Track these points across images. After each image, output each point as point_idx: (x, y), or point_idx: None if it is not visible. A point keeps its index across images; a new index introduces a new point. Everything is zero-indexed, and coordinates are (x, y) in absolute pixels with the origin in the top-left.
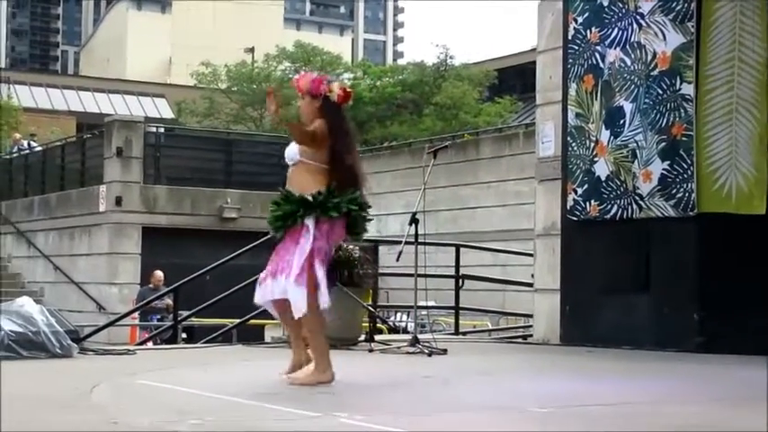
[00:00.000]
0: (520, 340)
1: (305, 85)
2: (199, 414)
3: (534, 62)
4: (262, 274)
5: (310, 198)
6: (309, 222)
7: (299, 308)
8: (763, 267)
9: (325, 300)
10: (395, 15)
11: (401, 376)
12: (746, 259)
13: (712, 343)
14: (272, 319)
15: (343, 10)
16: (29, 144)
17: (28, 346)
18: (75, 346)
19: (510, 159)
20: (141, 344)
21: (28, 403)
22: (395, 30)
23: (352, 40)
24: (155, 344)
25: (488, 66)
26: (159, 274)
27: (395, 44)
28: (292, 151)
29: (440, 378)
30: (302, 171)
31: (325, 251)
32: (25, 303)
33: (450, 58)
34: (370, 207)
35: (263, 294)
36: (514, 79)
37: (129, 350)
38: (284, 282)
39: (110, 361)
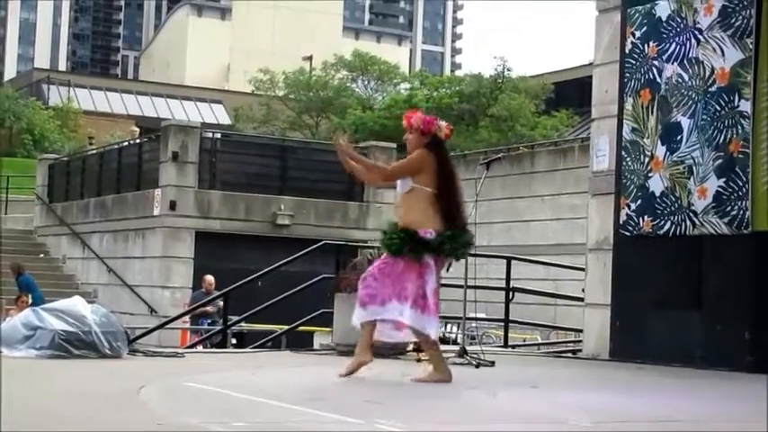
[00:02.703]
0: (569, 355)
1: (417, 123)
2: (244, 417)
3: (591, 76)
4: (367, 294)
5: (430, 237)
6: (430, 260)
7: (432, 333)
8: None
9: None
10: (453, 27)
11: (447, 387)
12: None
13: (764, 362)
14: (322, 325)
15: (402, 20)
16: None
17: (79, 345)
18: (125, 347)
19: (565, 173)
20: (191, 347)
21: (75, 400)
22: (453, 41)
23: (411, 50)
24: (204, 348)
25: (546, 79)
26: (210, 278)
27: (453, 55)
28: (404, 181)
29: (485, 389)
30: (412, 198)
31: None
32: (77, 303)
33: (508, 70)
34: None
35: (374, 313)
36: (572, 93)
37: (177, 353)
38: (410, 310)
39: (158, 363)
